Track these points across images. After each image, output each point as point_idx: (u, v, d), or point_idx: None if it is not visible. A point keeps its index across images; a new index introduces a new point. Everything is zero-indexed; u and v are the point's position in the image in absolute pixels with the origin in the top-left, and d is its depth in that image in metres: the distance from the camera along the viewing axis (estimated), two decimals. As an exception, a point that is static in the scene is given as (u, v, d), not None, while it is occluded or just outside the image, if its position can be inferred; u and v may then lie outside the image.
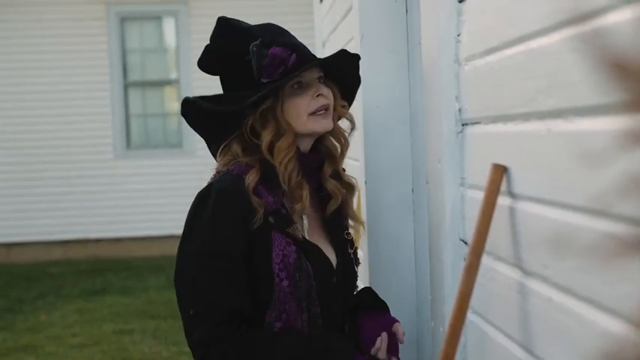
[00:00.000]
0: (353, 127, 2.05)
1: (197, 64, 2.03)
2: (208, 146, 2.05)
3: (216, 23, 1.98)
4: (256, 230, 1.82)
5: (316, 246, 1.92)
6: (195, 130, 2.03)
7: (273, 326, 1.83)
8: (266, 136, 1.87)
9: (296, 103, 1.90)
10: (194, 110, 1.96)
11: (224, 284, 1.80)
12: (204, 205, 1.84)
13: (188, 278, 1.84)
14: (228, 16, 2.01)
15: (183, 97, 2.00)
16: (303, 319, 1.85)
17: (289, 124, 1.88)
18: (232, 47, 1.92)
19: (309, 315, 1.85)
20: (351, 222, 2.08)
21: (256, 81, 1.87)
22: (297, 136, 1.91)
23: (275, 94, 1.88)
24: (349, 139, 2.03)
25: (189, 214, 1.88)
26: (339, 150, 2.01)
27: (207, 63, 2.01)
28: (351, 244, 2.04)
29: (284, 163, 1.86)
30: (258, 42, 1.88)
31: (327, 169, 1.98)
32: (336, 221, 2.01)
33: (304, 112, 1.90)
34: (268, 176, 1.87)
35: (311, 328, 1.86)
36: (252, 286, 1.84)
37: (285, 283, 1.82)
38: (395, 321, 2.03)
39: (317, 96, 1.91)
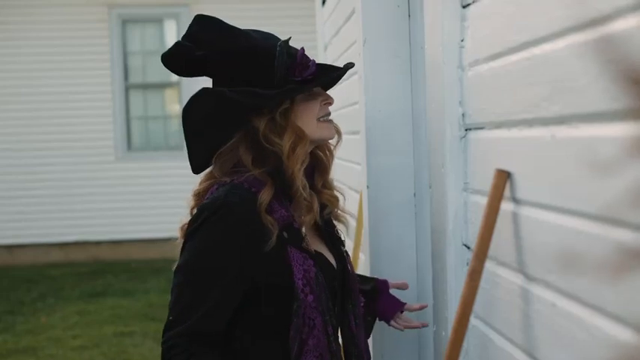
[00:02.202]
0: (339, 139, 2.02)
1: (171, 68, 1.92)
2: (195, 150, 1.91)
3: (200, 22, 1.89)
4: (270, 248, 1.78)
5: (322, 255, 1.92)
6: (192, 129, 1.89)
7: (305, 344, 1.79)
8: (287, 141, 1.82)
9: (308, 109, 1.87)
10: (210, 101, 1.85)
11: (201, 303, 1.76)
12: (209, 218, 1.77)
13: (175, 285, 1.81)
14: (229, 19, 1.98)
15: (188, 97, 1.89)
16: (329, 334, 1.83)
17: (302, 130, 1.85)
18: (240, 46, 1.85)
19: (333, 329, 1.84)
20: (336, 222, 2.05)
21: (276, 81, 1.82)
22: None
23: (293, 96, 1.85)
24: (334, 152, 2.02)
25: (192, 223, 1.81)
26: (326, 161, 1.99)
27: (194, 64, 1.89)
28: (341, 241, 2.03)
29: (300, 171, 1.82)
30: (287, 39, 1.88)
31: (319, 180, 1.96)
32: (327, 221, 2.01)
33: (315, 117, 1.88)
34: (281, 188, 1.83)
35: (336, 345, 1.85)
36: (268, 304, 1.81)
37: (310, 297, 1.79)
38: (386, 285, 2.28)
39: (324, 104, 1.91)
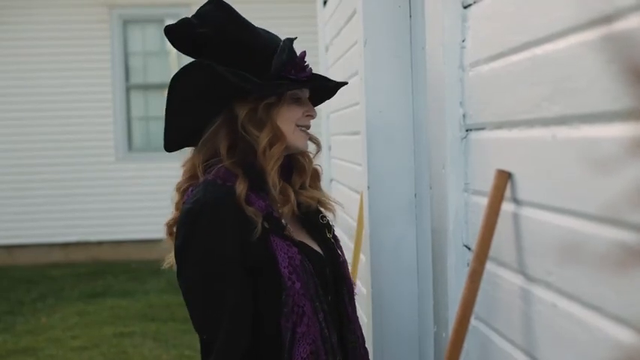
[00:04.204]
0: (318, 150, 2.05)
1: (171, 39, 1.93)
2: (176, 124, 1.93)
3: (213, 3, 1.91)
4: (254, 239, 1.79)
5: (306, 244, 1.91)
6: (174, 104, 1.91)
7: (295, 333, 1.80)
8: (264, 138, 1.85)
9: (291, 112, 1.90)
10: (199, 75, 1.86)
11: (229, 310, 1.78)
12: (197, 222, 1.79)
13: (191, 305, 1.83)
14: None
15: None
16: (320, 320, 1.83)
17: (281, 130, 1.88)
18: (243, 35, 1.89)
19: (324, 315, 1.84)
20: (323, 209, 2.04)
21: (270, 73, 1.86)
22: None
23: (281, 95, 1.88)
24: (313, 160, 2.03)
25: (181, 232, 1.82)
26: (304, 164, 2.00)
27: (193, 44, 1.92)
28: (328, 227, 2.01)
29: (274, 169, 1.85)
30: (293, 39, 1.92)
31: (296, 181, 1.97)
32: (309, 210, 1.99)
33: (294, 122, 1.91)
34: (254, 181, 1.85)
35: (329, 330, 1.84)
36: (259, 299, 1.82)
37: (297, 285, 1.80)
38: None
39: (307, 115, 1.94)
